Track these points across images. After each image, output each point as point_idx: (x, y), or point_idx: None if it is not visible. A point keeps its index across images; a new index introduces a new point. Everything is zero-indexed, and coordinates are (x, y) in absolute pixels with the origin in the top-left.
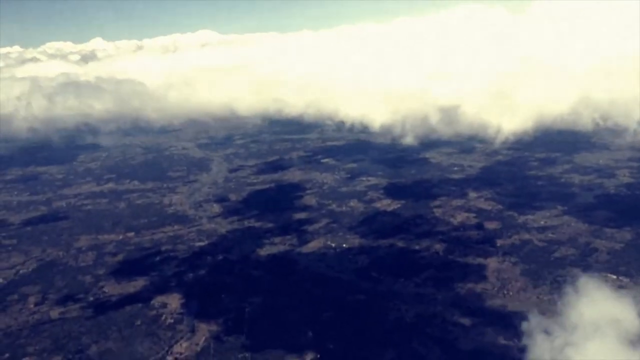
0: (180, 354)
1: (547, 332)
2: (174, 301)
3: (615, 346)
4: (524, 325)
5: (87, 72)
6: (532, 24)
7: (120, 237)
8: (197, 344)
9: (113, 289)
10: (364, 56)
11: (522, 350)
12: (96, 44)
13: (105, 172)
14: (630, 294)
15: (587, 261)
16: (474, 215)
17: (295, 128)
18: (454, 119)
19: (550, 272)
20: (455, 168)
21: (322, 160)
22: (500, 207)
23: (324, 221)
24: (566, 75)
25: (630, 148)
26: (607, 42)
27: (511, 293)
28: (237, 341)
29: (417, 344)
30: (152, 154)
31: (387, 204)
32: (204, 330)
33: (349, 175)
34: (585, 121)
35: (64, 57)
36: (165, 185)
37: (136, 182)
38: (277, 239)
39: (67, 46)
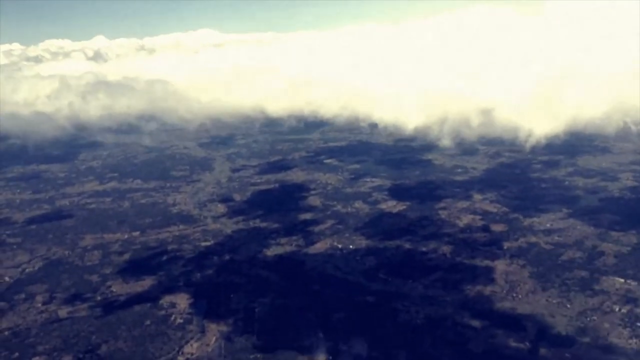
0: (192, 354)
1: None
2: (182, 301)
3: None
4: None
5: (112, 71)
6: (549, 25)
7: (126, 236)
8: (208, 345)
9: (121, 288)
10: (376, 57)
11: (533, 352)
12: (99, 42)
13: (108, 171)
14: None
15: (594, 264)
16: (479, 217)
17: (296, 128)
18: (489, 121)
19: (558, 275)
20: (459, 170)
21: (325, 161)
22: (505, 209)
23: (330, 222)
24: (599, 78)
25: (633, 152)
26: (632, 44)
27: (520, 296)
28: (248, 342)
29: (428, 346)
30: (154, 153)
31: (392, 206)
32: (214, 331)
33: (352, 176)
34: (617, 125)
35: (67, 55)
36: (168, 184)
37: (139, 181)
38: (283, 240)
39: (67, 44)
